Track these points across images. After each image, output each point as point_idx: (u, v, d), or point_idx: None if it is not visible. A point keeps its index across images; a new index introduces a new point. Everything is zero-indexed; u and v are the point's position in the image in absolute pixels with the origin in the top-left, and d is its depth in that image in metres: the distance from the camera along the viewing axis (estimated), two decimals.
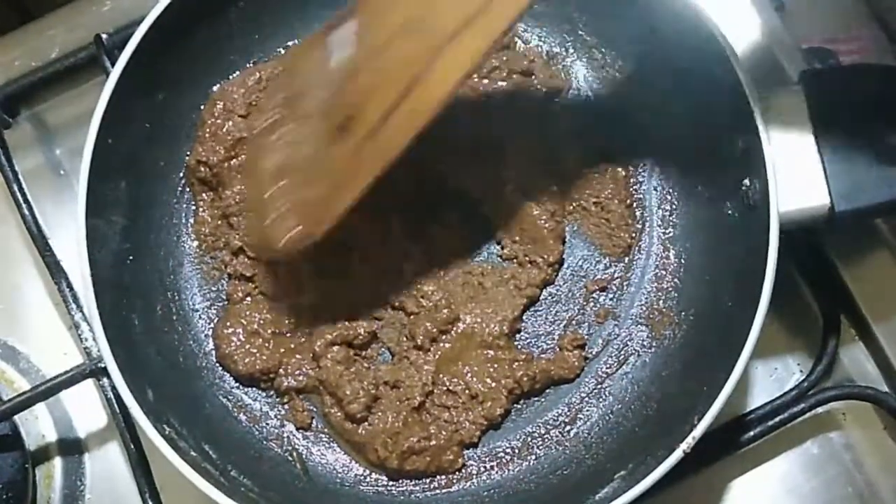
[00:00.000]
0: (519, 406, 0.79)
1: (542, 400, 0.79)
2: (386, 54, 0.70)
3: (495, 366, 0.78)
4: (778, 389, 0.80)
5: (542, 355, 0.80)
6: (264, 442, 0.79)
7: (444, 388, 0.78)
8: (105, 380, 0.78)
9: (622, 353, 0.80)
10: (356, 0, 0.74)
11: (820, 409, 0.79)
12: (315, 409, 0.80)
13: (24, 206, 0.84)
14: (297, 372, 0.79)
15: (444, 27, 0.66)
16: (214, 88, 0.85)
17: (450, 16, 0.66)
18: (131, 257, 0.78)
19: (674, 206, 0.82)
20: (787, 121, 0.71)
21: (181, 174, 0.84)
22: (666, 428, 0.70)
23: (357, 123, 0.71)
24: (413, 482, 0.77)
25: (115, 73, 0.76)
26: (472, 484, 0.77)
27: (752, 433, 0.78)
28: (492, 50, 0.66)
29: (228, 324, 0.80)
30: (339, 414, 0.77)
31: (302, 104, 0.76)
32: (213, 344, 0.81)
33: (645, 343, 0.80)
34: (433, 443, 0.76)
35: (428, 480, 0.77)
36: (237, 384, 0.80)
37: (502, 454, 0.78)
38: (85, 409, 0.84)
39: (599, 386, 0.79)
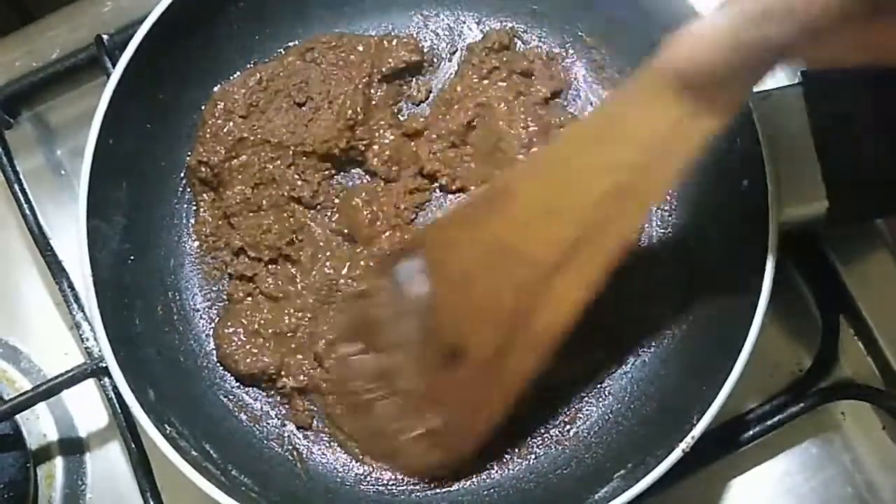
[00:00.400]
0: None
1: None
2: (473, 290, 0.67)
3: None
4: (777, 389, 0.80)
5: None
6: (265, 441, 0.79)
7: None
8: (106, 379, 0.78)
9: (621, 353, 0.80)
10: (418, 240, 0.74)
11: (819, 409, 0.79)
12: (316, 409, 0.80)
13: (25, 206, 0.84)
14: (298, 372, 0.79)
15: (542, 261, 0.63)
16: (215, 89, 0.85)
17: (543, 254, 0.63)
18: (132, 257, 0.79)
19: (673, 207, 0.82)
20: (786, 121, 0.71)
21: (182, 174, 0.84)
22: (665, 427, 0.70)
23: (466, 356, 0.69)
24: (412, 482, 0.77)
25: (116, 73, 0.76)
26: (472, 483, 0.77)
27: (751, 433, 0.78)
28: (612, 264, 0.61)
29: (229, 324, 0.80)
30: (341, 413, 0.78)
31: (385, 334, 0.75)
32: (214, 344, 0.81)
33: (645, 343, 0.80)
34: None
35: (427, 480, 0.77)
36: (238, 384, 0.81)
37: (502, 453, 0.78)
38: (86, 408, 0.84)
39: (599, 386, 0.79)
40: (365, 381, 0.75)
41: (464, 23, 0.88)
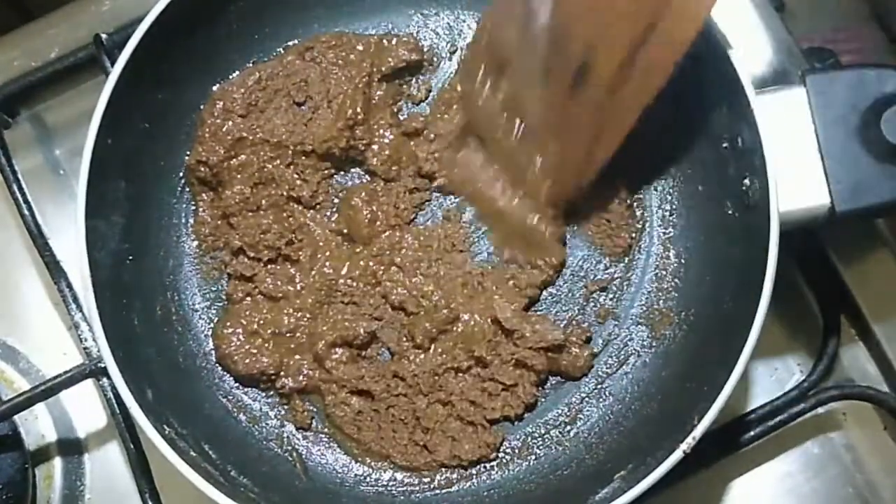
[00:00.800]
0: None
1: (542, 400, 0.79)
2: (599, 4, 0.68)
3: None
4: (778, 389, 0.80)
5: None
6: (264, 442, 0.79)
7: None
8: (105, 380, 0.78)
9: (622, 353, 0.80)
10: None
11: (820, 410, 0.79)
12: (315, 410, 0.80)
13: (23, 206, 0.84)
14: (298, 372, 0.79)
15: None
16: (214, 88, 0.84)
17: None
18: (131, 257, 0.78)
19: (674, 206, 0.82)
20: (787, 120, 0.71)
21: (181, 174, 0.84)
22: (666, 428, 0.70)
23: (594, 74, 0.69)
24: (413, 483, 0.77)
25: (115, 72, 0.75)
26: (472, 484, 0.77)
27: (752, 433, 0.78)
28: None
29: (228, 324, 0.80)
30: (342, 414, 0.78)
31: (514, 62, 0.75)
32: (213, 344, 0.81)
33: (645, 343, 0.80)
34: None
35: (427, 480, 0.77)
36: (237, 384, 0.80)
37: (502, 454, 0.78)
38: (85, 409, 0.84)
39: (599, 386, 0.79)
40: (497, 113, 0.76)
41: (464, 22, 0.87)
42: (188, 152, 0.83)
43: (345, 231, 0.82)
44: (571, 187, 0.77)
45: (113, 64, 0.77)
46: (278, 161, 0.82)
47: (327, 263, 0.81)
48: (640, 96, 0.69)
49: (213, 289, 0.83)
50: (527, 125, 0.75)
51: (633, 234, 0.82)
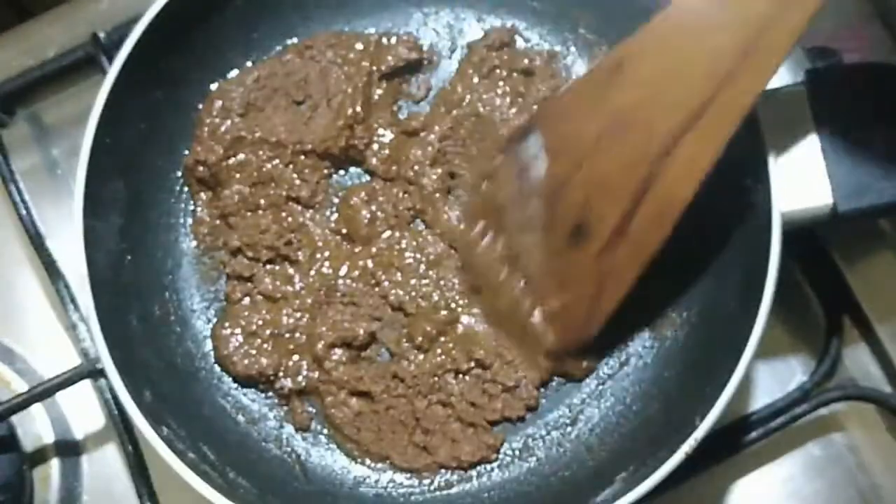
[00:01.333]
0: None
1: (543, 401, 0.79)
2: (594, 165, 0.69)
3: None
4: (780, 391, 0.80)
5: None
6: (263, 443, 0.79)
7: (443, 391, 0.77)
8: (102, 381, 0.78)
9: (623, 354, 0.80)
10: (537, 117, 0.75)
11: (823, 411, 0.79)
12: (314, 411, 0.79)
13: (20, 206, 0.84)
14: (297, 373, 0.79)
15: (663, 131, 0.64)
16: (213, 87, 0.84)
17: (665, 122, 0.64)
18: (129, 257, 0.78)
19: None
20: (789, 120, 0.71)
21: (179, 174, 0.84)
22: (668, 429, 0.70)
23: (592, 231, 0.70)
24: (412, 484, 0.77)
25: (113, 71, 0.75)
26: (472, 486, 0.77)
27: (754, 434, 0.77)
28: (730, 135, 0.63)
29: (227, 324, 0.80)
30: (341, 415, 0.77)
31: (512, 216, 0.76)
32: (212, 345, 0.80)
33: (646, 344, 0.79)
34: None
35: (427, 482, 0.77)
36: (236, 385, 0.80)
37: (502, 455, 0.78)
38: (82, 410, 0.83)
39: (601, 387, 0.79)
40: (493, 264, 0.76)
41: (464, 20, 0.87)
42: (186, 152, 0.83)
43: (344, 231, 0.82)
44: (574, 340, 0.76)
45: (111, 63, 0.77)
46: (277, 160, 0.82)
47: (326, 263, 0.81)
48: (640, 252, 0.69)
49: (212, 289, 0.82)
50: (526, 278, 0.75)
51: None
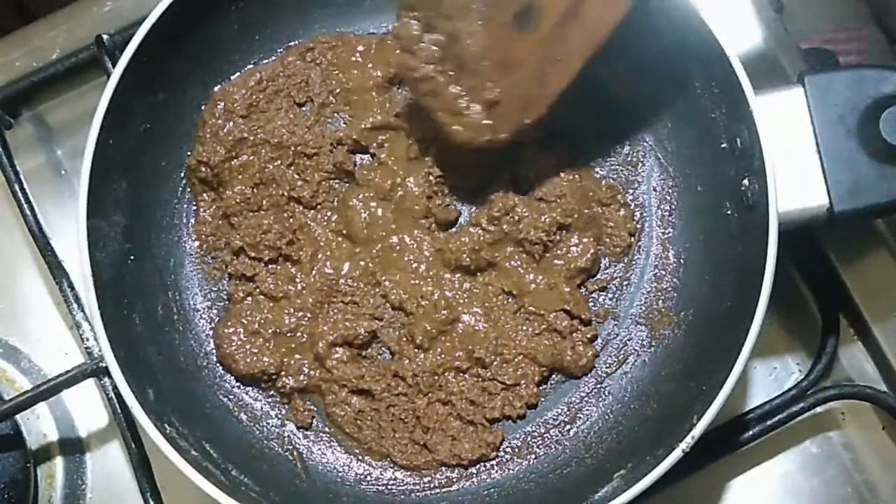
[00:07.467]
0: None
1: (542, 399, 0.80)
2: None
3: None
4: (777, 389, 0.81)
5: None
6: (265, 441, 0.79)
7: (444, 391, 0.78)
8: (106, 379, 0.78)
9: (622, 352, 0.80)
10: None
11: (819, 409, 0.79)
12: (316, 409, 0.80)
13: (25, 206, 0.84)
14: (298, 371, 0.79)
15: None
16: (215, 89, 0.85)
17: None
18: (132, 257, 0.79)
19: (673, 207, 0.82)
20: (786, 121, 0.71)
21: (182, 174, 0.84)
22: (665, 427, 0.71)
23: (542, 14, 0.68)
24: (413, 482, 0.77)
25: (116, 73, 0.76)
26: (472, 483, 0.77)
27: (751, 433, 0.78)
28: None
29: (229, 323, 0.80)
30: (342, 413, 0.78)
31: (454, 5, 0.73)
32: (214, 344, 0.81)
33: (644, 343, 0.80)
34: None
35: (427, 479, 0.77)
36: (238, 384, 0.81)
37: (502, 453, 0.78)
38: (86, 408, 0.84)
39: (599, 385, 0.79)
40: (433, 55, 0.74)
41: None
42: (189, 153, 0.84)
43: (345, 231, 0.82)
44: (513, 126, 0.74)
45: (114, 65, 0.77)
46: (279, 161, 0.82)
47: (328, 263, 0.82)
48: (592, 34, 0.68)
49: (214, 289, 0.83)
50: (464, 67, 0.73)
51: (633, 234, 0.82)
